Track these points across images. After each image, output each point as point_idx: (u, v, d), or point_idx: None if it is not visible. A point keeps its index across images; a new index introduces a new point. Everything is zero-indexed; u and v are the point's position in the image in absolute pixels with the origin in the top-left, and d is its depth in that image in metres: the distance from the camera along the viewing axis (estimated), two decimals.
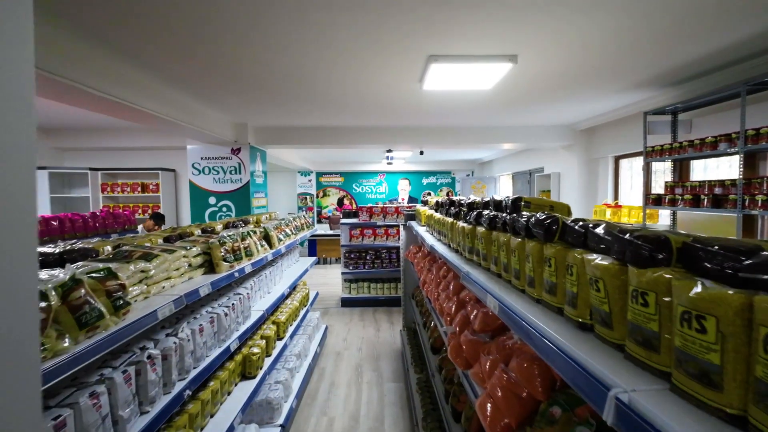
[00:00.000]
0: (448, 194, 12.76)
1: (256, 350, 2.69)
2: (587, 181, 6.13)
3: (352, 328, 5.57)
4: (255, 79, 3.74)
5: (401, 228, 4.94)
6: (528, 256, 1.16)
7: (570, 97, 4.42)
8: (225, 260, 2.17)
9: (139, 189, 6.01)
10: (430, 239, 3.03)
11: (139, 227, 5.02)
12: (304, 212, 12.22)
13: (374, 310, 6.36)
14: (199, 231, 2.78)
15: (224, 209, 5.76)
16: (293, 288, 4.37)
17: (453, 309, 2.18)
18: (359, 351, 4.76)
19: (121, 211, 4.60)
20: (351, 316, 6.08)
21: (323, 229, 11.58)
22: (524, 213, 1.31)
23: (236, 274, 2.22)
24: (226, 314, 2.16)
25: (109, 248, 1.91)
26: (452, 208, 2.54)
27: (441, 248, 2.54)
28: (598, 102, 4.66)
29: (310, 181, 12.27)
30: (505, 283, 1.41)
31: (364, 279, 6.73)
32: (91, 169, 5.86)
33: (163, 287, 1.69)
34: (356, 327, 5.61)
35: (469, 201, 2.10)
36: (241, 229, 2.89)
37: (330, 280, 8.53)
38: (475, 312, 1.88)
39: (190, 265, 1.97)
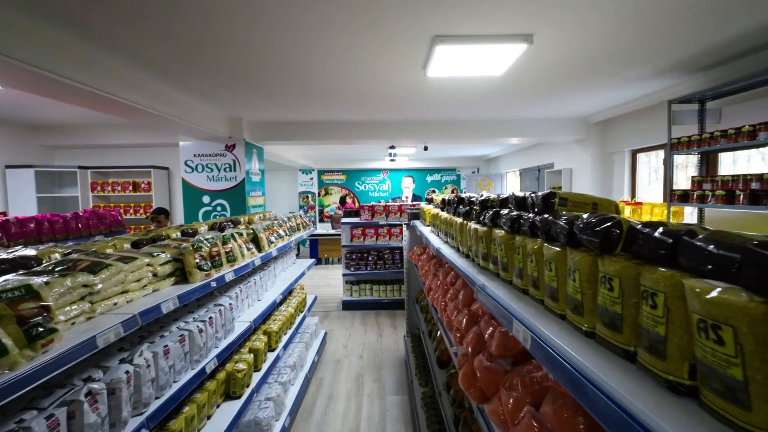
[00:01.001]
0: (453, 191, 12.44)
1: (241, 366, 2.40)
2: (601, 177, 5.79)
3: (353, 333, 5.29)
4: (247, 67, 3.45)
5: (404, 228, 4.64)
6: (573, 271, 0.85)
7: (586, 86, 4.08)
8: (200, 268, 1.88)
9: (131, 188, 5.75)
10: (435, 241, 2.73)
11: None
12: (306, 211, 11.94)
13: (377, 314, 6.07)
14: (179, 233, 2.49)
15: (219, 209, 5.49)
16: (289, 293, 4.08)
17: (464, 324, 1.87)
18: (360, 359, 4.47)
19: (108, 211, 4.32)
20: (352, 320, 5.79)
21: (325, 228, 11.31)
22: (561, 212, 1.00)
23: (213, 284, 1.93)
24: (201, 330, 1.86)
25: (57, 255, 1.63)
26: (461, 207, 2.23)
27: (448, 252, 2.23)
28: (616, 91, 4.32)
29: (311, 179, 12.00)
30: (535, 303, 1.11)
31: (366, 281, 6.44)
32: (80, 167, 5.61)
33: (116, 304, 1.40)
34: (357, 332, 5.32)
35: (482, 198, 1.79)
36: (229, 230, 2.61)
37: (331, 281, 8.25)
38: (490, 330, 1.57)
39: (155, 275, 1.68)
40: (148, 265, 1.66)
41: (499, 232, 1.36)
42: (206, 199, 5.49)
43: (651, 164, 5.28)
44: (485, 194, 1.87)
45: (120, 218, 4.45)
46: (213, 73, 3.62)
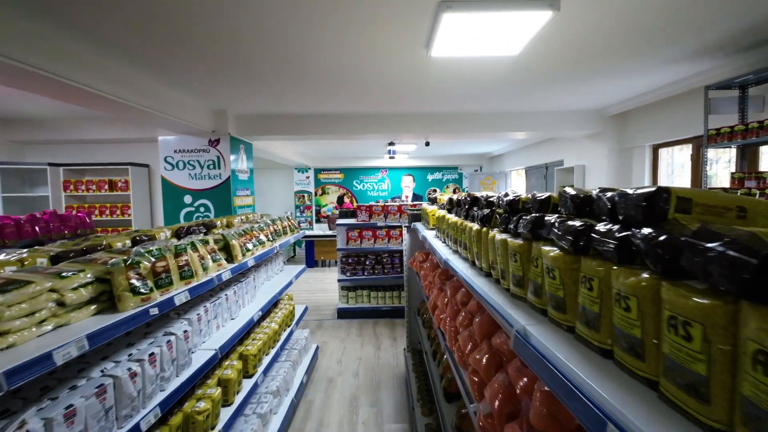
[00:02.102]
0: (455, 191, 11.98)
1: (203, 406, 1.94)
2: (618, 175, 5.33)
3: (349, 345, 4.83)
4: (230, 53, 3.04)
5: (404, 231, 4.18)
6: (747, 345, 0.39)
7: (609, 71, 3.62)
8: (134, 291, 1.42)
9: (107, 187, 5.29)
10: (442, 249, 2.27)
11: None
12: (302, 211, 11.49)
13: (375, 323, 5.61)
14: (128, 242, 2.03)
15: (202, 209, 5.03)
16: (274, 304, 3.63)
17: (483, 364, 1.41)
18: (356, 377, 4.01)
19: (70, 212, 3.86)
20: (348, 330, 5.33)
21: (321, 229, 10.85)
22: (682, 224, 0.54)
23: (155, 310, 1.47)
24: (135, 374, 1.40)
25: None
26: (476, 209, 1.77)
27: (461, 266, 1.77)
28: (642, 77, 3.85)
29: (307, 178, 11.54)
30: (633, 378, 0.65)
31: (363, 287, 5.98)
32: (50, 164, 5.15)
33: None
34: (353, 344, 4.86)
35: (510, 198, 1.33)
36: (189, 238, 2.15)
37: (327, 285, 7.80)
38: (524, 382, 1.11)
39: (61, 304, 1.22)
40: (52, 290, 1.20)
41: (549, 250, 0.90)
42: (188, 198, 5.03)
43: (675, 160, 4.82)
44: (511, 193, 1.41)
45: (87, 220, 3.98)
46: (193, 59, 3.19)
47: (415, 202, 5.89)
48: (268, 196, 11.80)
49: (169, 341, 1.65)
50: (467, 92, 4.27)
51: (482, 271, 1.58)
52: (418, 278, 3.66)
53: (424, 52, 2.98)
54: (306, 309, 4.27)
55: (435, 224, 3.09)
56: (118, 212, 5.36)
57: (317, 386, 3.80)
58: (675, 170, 4.80)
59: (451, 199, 2.48)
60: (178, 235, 2.46)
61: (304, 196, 11.55)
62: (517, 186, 10.16)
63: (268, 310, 3.39)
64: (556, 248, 0.89)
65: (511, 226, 1.18)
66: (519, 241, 1.10)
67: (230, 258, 2.37)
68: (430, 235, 2.90)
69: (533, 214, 1.04)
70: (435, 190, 11.96)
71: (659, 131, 4.67)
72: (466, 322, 1.81)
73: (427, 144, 5.86)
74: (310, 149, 9.54)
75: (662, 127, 4.61)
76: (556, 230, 0.87)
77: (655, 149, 4.93)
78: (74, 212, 3.89)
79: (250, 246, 2.65)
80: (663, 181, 4.87)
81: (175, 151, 4.99)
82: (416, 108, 5.03)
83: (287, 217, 3.84)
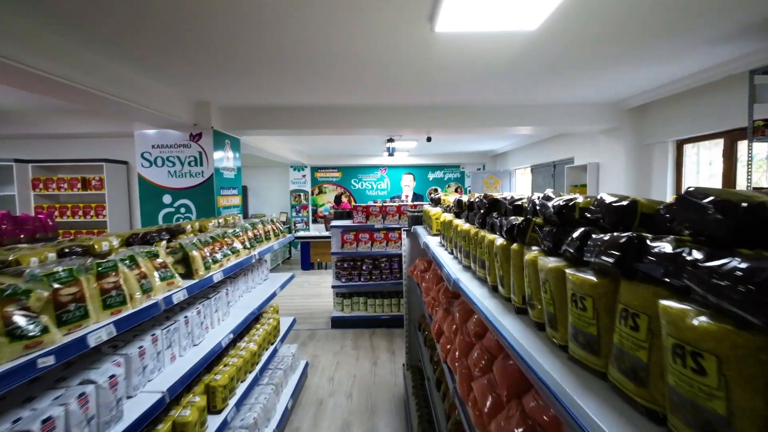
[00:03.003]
0: (457, 190, 11.54)
1: None
2: (637, 174, 4.89)
3: (343, 360, 4.40)
4: (212, 37, 2.66)
5: (404, 234, 3.74)
6: None
7: (632, 55, 3.18)
8: (14, 334, 0.99)
9: (79, 185, 4.85)
10: (449, 263, 1.83)
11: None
12: (298, 211, 11.05)
13: (371, 333, 5.18)
14: (51, 255, 1.60)
15: (182, 210, 4.60)
16: (255, 319, 3.19)
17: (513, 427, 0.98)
18: (348, 398, 3.58)
19: (27, 214, 3.43)
20: (342, 342, 4.90)
21: (318, 229, 10.43)
22: None
23: (47, 359, 1.04)
24: None
25: None
26: (495, 216, 1.34)
27: (477, 292, 1.34)
28: (672, 62, 3.41)
29: (304, 176, 11.10)
30: None
31: (359, 293, 5.56)
32: (17, 160, 4.71)
33: None
34: (348, 358, 4.43)
35: (562, 203, 0.89)
36: (137, 249, 1.71)
37: (323, 290, 7.37)
38: None
39: None
40: None
41: (686, 312, 0.46)
42: (167, 198, 4.59)
43: (702, 157, 4.39)
44: (567, 196, 0.97)
45: (50, 223, 3.54)
46: (170, 45, 2.82)
47: (415, 203, 5.46)
48: (262, 196, 11.38)
49: (83, 394, 1.22)
50: (473, 80, 3.82)
51: (512, 304, 1.15)
52: (419, 290, 3.23)
53: (427, 28, 2.54)
54: (294, 321, 3.83)
55: (439, 230, 2.66)
56: (92, 213, 4.93)
57: (305, 411, 3.37)
58: (701, 168, 4.36)
59: (459, 201, 2.05)
60: (129, 243, 2.03)
61: (300, 196, 11.12)
62: (522, 185, 9.73)
63: (247, 327, 2.96)
64: (694, 306, 0.45)
65: (570, 249, 0.74)
66: (590, 277, 0.66)
67: (190, 272, 1.93)
68: (433, 243, 2.47)
69: (621, 234, 0.61)
70: (436, 190, 11.52)
71: (685, 125, 4.23)
72: (483, 364, 1.38)
73: (429, 139, 5.42)
74: (305, 146, 9.10)
75: (689, 121, 4.17)
76: (721, 277, 0.43)
77: (680, 145, 4.49)
78: (39, 213, 3.45)
79: (219, 256, 2.21)
80: (690, 181, 4.43)
81: (153, 147, 4.56)
82: (417, 99, 4.59)
83: (272, 220, 3.41)
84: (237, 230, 2.64)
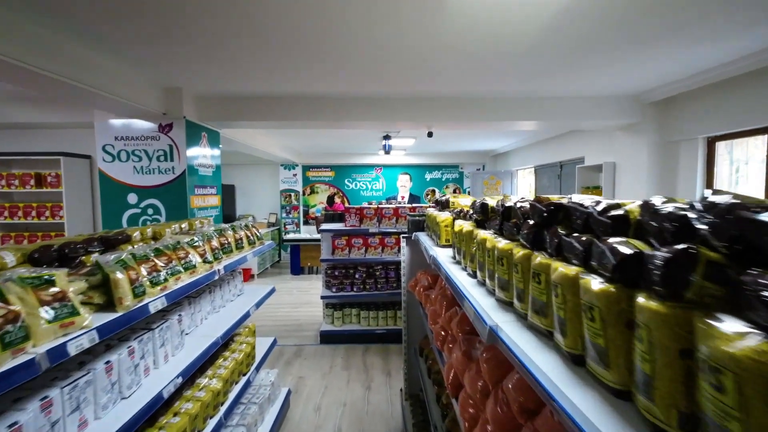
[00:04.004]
0: (455, 191, 11.05)
1: None
2: (661, 175, 4.41)
3: (332, 383, 3.86)
4: (182, 9, 2.07)
5: (403, 242, 3.22)
6: None
7: (665, 37, 2.70)
8: None
9: (32, 182, 4.27)
10: (473, 291, 1.31)
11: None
12: (288, 212, 10.48)
13: (365, 350, 4.65)
14: None
15: (150, 211, 4.03)
16: (224, 345, 2.65)
17: None
18: None
19: None
20: (332, 360, 4.36)
21: (309, 231, 9.87)
22: None
23: None
24: None
25: None
26: (562, 234, 0.82)
27: (537, 355, 0.81)
28: (709, 46, 2.93)
29: (295, 176, 10.54)
30: None
31: (351, 304, 5.02)
32: None
33: None
34: (338, 381, 3.89)
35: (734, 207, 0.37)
36: (21, 274, 1.17)
37: (314, 297, 6.83)
38: None
39: None
40: None
41: None
42: (132, 198, 4.02)
43: (736, 156, 3.91)
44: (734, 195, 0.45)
45: None
46: (132, 17, 2.29)
47: (414, 205, 4.95)
48: (251, 196, 10.80)
49: None
50: (483, 65, 3.31)
51: (608, 383, 0.62)
52: (421, 309, 2.71)
53: None
54: (274, 343, 3.29)
55: (449, 240, 2.14)
56: (48, 214, 4.34)
57: None
58: (739, 167, 3.89)
59: (485, 206, 1.52)
60: (35, 261, 1.48)
61: (291, 196, 10.56)
62: (525, 186, 9.26)
63: (211, 357, 2.41)
64: None
65: None
66: None
67: (111, 302, 1.39)
68: (443, 257, 1.95)
69: None
70: (434, 191, 11.03)
71: (718, 120, 3.76)
72: None
73: (430, 134, 4.91)
74: (296, 143, 8.55)
75: (723, 115, 3.70)
76: None
77: (711, 143, 4.02)
78: None
79: (162, 276, 1.67)
80: (723, 183, 3.96)
81: (117, 139, 3.99)
82: (418, 88, 4.07)
83: (247, 225, 2.86)
84: (196, 239, 2.09)
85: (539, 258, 0.90)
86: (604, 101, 4.52)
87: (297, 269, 9.03)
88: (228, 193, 10.24)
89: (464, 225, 1.69)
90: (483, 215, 1.53)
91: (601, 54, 3.11)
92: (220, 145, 6.53)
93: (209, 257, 2.12)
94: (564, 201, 0.95)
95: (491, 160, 10.52)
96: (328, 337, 4.81)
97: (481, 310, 1.10)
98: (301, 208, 10.61)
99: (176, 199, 4.03)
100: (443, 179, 11.06)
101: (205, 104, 4.33)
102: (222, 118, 4.43)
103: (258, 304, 2.86)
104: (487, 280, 1.29)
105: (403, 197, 10.81)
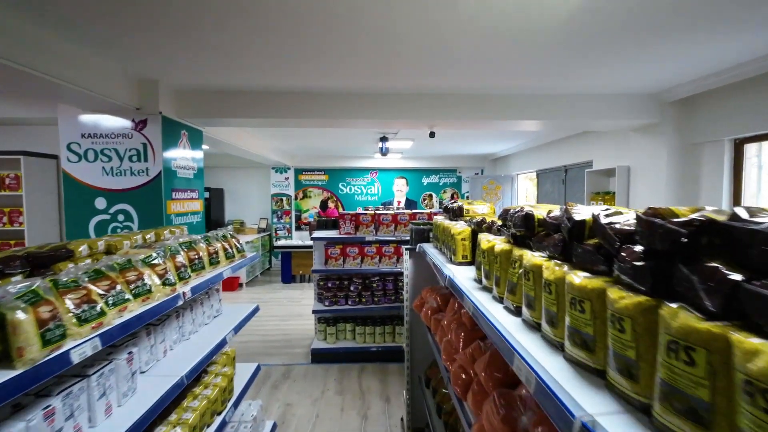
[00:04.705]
0: (453, 196, 10.70)
1: None
2: (682, 179, 4.08)
3: (324, 411, 3.44)
4: None
5: (405, 254, 2.83)
6: None
7: (701, 24, 2.36)
8: None
9: None
10: (522, 337, 0.92)
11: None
12: (279, 217, 10.04)
13: (361, 370, 4.23)
14: None
15: (120, 217, 3.60)
16: (196, 379, 2.22)
17: None
18: None
19: None
20: (324, 383, 3.94)
21: (302, 238, 9.44)
22: None
23: None
24: None
25: None
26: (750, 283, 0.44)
27: None
28: (740, 40, 2.60)
29: (287, 179, 10.12)
30: None
31: (346, 319, 4.62)
32: None
33: None
34: (330, 408, 3.47)
35: None
36: None
37: (305, 308, 6.40)
38: None
39: None
40: None
41: None
42: (101, 203, 3.59)
43: (762, 160, 3.60)
44: None
45: None
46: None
47: (415, 211, 4.56)
48: (241, 200, 10.34)
49: None
50: (494, 57, 2.95)
51: None
52: (429, 335, 2.32)
53: None
54: (257, 370, 2.86)
55: (470, 258, 1.75)
56: (5, 220, 3.88)
57: None
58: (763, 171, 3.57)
59: (528, 218, 1.13)
60: None
61: (282, 200, 10.12)
62: (525, 192, 8.94)
63: (176, 399, 1.99)
64: None
65: None
66: None
67: (8, 353, 0.98)
68: (463, 280, 1.56)
69: None
70: (431, 196, 10.68)
71: (746, 120, 3.43)
72: None
73: (432, 135, 4.54)
74: (288, 145, 8.14)
75: (752, 115, 3.38)
76: None
77: (739, 145, 3.69)
78: None
79: (99, 308, 1.26)
80: (752, 188, 3.63)
81: (83, 136, 3.56)
82: (420, 83, 3.70)
83: (225, 236, 2.45)
84: (154, 255, 1.68)
85: (701, 325, 0.51)
86: (620, 100, 4.18)
87: (288, 277, 8.59)
88: (216, 198, 9.78)
89: (495, 242, 1.31)
90: (525, 228, 1.14)
91: (620, 49, 2.77)
92: (206, 146, 6.13)
93: (171, 278, 1.71)
94: (710, 215, 0.56)
95: (490, 164, 10.20)
96: (320, 356, 4.38)
97: (555, 386, 0.70)
98: (293, 213, 10.17)
99: (151, 204, 3.60)
100: (441, 183, 10.71)
101: (186, 99, 3.92)
102: (205, 115, 4.02)
103: (237, 329, 2.44)
104: (547, 325, 0.90)
105: (399, 202, 10.42)
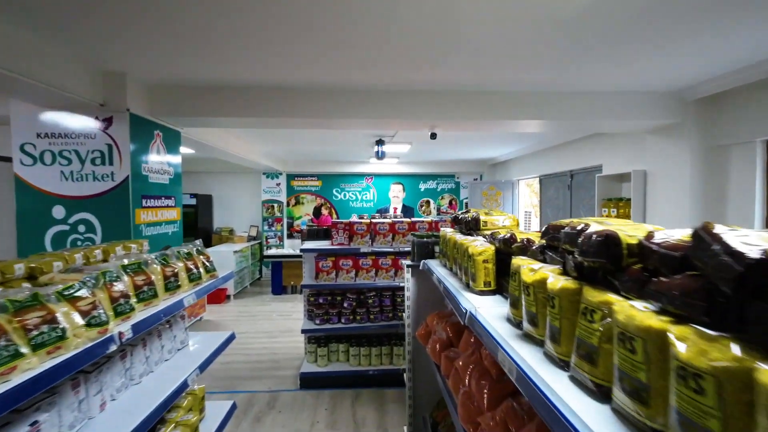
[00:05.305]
0: (451, 202, 10.33)
1: None
2: (706, 185, 3.73)
3: None
4: None
5: (407, 272, 2.43)
6: None
7: (719, 17, 2.01)
8: None
9: None
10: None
11: None
12: (270, 224, 9.60)
13: (355, 397, 3.80)
14: None
15: (81, 228, 3.16)
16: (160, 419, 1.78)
17: None
18: None
19: None
20: (314, 414, 3.50)
21: (293, 246, 9.00)
22: None
23: None
24: None
25: None
26: None
27: None
28: None
29: (278, 185, 9.70)
30: None
31: (339, 338, 4.19)
32: None
33: None
34: None
35: None
36: None
37: (295, 323, 5.96)
38: None
39: None
40: None
41: None
42: (59, 211, 3.15)
43: None
44: None
45: None
46: None
47: (415, 220, 4.16)
48: (230, 207, 9.89)
49: None
50: (505, 47, 2.58)
51: None
52: (437, 373, 1.91)
53: None
54: (233, 408, 2.43)
55: (488, 282, 1.36)
56: None
57: None
58: None
59: (611, 241, 0.73)
60: None
61: (273, 207, 9.69)
62: (527, 198, 8.59)
63: None
64: None
65: None
66: None
67: None
68: (492, 319, 1.16)
69: None
70: (428, 202, 10.30)
71: None
72: None
73: (433, 136, 4.16)
74: (280, 149, 7.73)
75: None
76: None
77: None
78: None
79: None
80: None
81: (39, 136, 3.14)
82: (419, 77, 3.32)
83: (189, 253, 2.03)
84: (77, 286, 1.26)
85: None
86: (640, 98, 3.83)
87: (279, 288, 8.14)
88: (204, 204, 9.33)
89: (545, 274, 0.91)
90: (607, 261, 0.74)
91: (638, 41, 2.42)
92: (191, 150, 5.71)
93: (102, 314, 1.29)
94: None
95: (489, 169, 9.85)
96: (309, 381, 3.94)
97: None
98: (285, 221, 9.73)
99: (116, 212, 3.17)
100: (438, 189, 10.35)
101: (159, 95, 3.50)
102: (181, 114, 3.60)
103: (205, 365, 2.01)
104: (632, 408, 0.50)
105: (395, 209, 10.04)
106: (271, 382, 4.10)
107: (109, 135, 3.16)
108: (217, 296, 7.35)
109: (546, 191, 7.48)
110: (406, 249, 3.98)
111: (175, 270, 1.80)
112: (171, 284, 1.74)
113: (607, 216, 4.78)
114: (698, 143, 3.73)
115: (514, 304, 1.08)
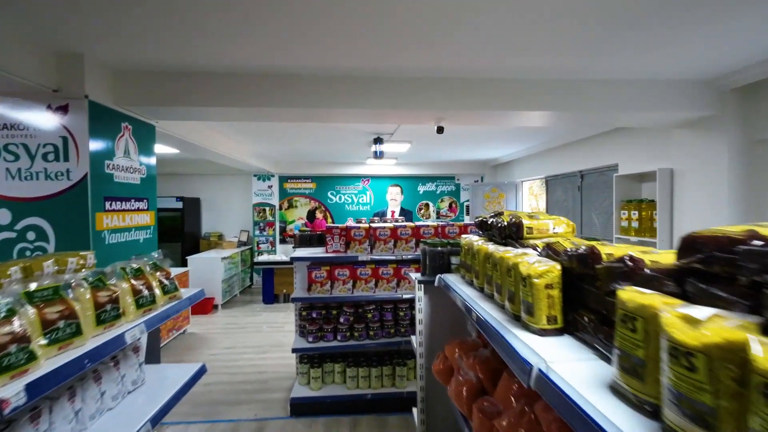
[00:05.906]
0: (451, 205, 9.92)
1: None
2: (744, 183, 3.33)
3: None
4: None
5: (419, 289, 1.98)
6: None
7: None
8: None
9: None
10: None
11: None
12: (262, 229, 9.11)
13: (353, 426, 3.34)
14: None
15: (30, 236, 2.68)
16: None
17: None
18: None
19: None
20: None
21: (286, 252, 8.53)
22: None
23: None
24: None
25: None
26: None
27: None
28: None
29: (270, 187, 9.23)
30: None
31: (334, 357, 3.73)
32: None
33: None
34: None
35: None
36: None
37: (286, 337, 5.49)
38: None
39: None
40: None
41: None
42: (4, 216, 2.67)
43: None
44: None
45: None
46: None
47: (419, 224, 3.71)
48: (220, 210, 9.40)
49: None
50: (522, 29, 2.16)
51: None
52: (460, 417, 1.46)
53: None
54: None
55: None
56: None
57: None
58: None
59: None
60: None
61: (265, 210, 9.21)
62: (529, 200, 8.19)
63: None
64: None
65: None
66: None
67: None
68: (580, 386, 0.70)
69: None
70: (427, 205, 9.88)
71: None
72: None
73: (440, 130, 3.72)
74: (271, 149, 7.27)
75: None
76: None
77: None
78: None
79: None
80: None
81: None
82: (424, 62, 2.90)
83: (140, 269, 1.57)
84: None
85: None
86: (666, 87, 3.43)
87: (270, 297, 7.66)
88: (191, 208, 8.84)
89: (746, 338, 0.46)
90: None
91: (671, 20, 2.00)
92: (176, 150, 5.23)
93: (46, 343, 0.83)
94: None
95: (491, 170, 9.45)
96: (301, 407, 3.47)
97: None
98: (278, 225, 9.25)
99: (73, 217, 2.70)
100: (438, 192, 9.93)
101: (126, 81, 3.04)
102: (154, 103, 3.13)
103: (161, 413, 1.54)
104: None
105: (393, 212, 9.60)
106: (258, 408, 3.62)
107: (64, 126, 2.69)
108: (203, 306, 6.85)
109: (553, 193, 7.08)
110: (410, 257, 3.55)
111: (115, 294, 1.34)
112: (106, 315, 1.28)
113: (626, 218, 4.38)
114: (737, 137, 3.33)
115: (634, 371, 0.64)
